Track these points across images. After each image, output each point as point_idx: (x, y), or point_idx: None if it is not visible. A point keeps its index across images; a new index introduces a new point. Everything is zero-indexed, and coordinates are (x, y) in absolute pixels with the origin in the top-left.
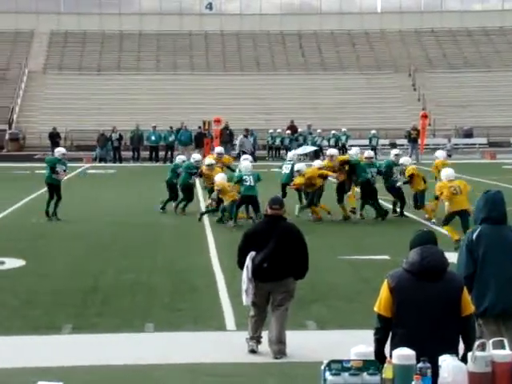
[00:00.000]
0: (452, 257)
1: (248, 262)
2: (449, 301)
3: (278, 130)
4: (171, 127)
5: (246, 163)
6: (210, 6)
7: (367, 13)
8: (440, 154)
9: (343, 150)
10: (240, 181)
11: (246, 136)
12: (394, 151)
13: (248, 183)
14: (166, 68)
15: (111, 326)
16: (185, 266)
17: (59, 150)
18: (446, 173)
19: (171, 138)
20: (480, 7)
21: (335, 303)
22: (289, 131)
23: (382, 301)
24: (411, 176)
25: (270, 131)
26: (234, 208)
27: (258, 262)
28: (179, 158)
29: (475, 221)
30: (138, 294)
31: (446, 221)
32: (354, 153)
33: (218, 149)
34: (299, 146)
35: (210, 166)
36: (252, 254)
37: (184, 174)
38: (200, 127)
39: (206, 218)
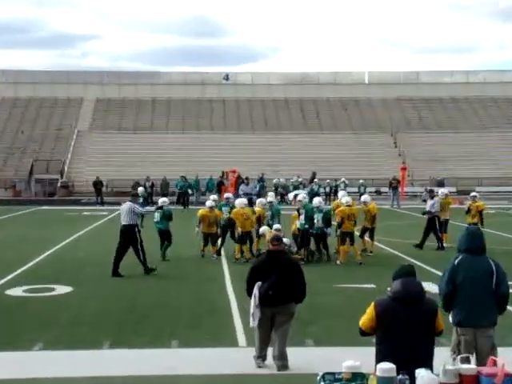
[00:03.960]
0: (427, 286)
1: (255, 291)
2: (426, 322)
3: (282, 179)
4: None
5: (161, 199)
6: (227, 78)
7: (357, 83)
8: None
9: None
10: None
11: (247, 184)
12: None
13: (156, 219)
14: (190, 128)
15: (143, 342)
16: (206, 289)
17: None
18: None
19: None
20: (449, 80)
21: (329, 324)
22: (343, 178)
23: (365, 319)
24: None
25: (292, 180)
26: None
27: (264, 290)
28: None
29: (458, 250)
30: (167, 315)
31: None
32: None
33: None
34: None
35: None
36: (258, 283)
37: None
38: (221, 176)
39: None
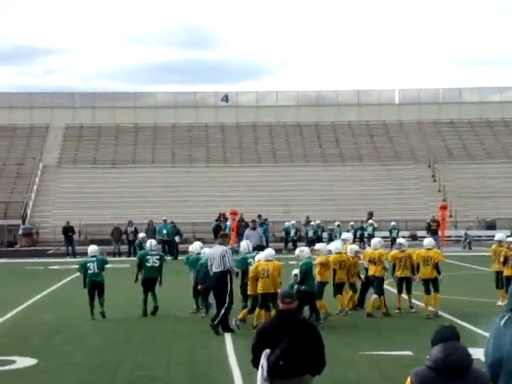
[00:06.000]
0: (475, 352)
1: (263, 360)
2: None
3: (292, 222)
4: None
5: (92, 247)
6: (225, 99)
7: (385, 104)
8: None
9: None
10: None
11: (253, 228)
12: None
13: (92, 271)
14: (181, 160)
15: None
16: (201, 359)
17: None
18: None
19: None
20: (499, 98)
21: None
22: (370, 221)
23: None
24: None
25: (313, 223)
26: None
27: (274, 360)
28: None
29: (507, 307)
30: None
31: None
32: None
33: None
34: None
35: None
36: (267, 351)
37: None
38: (217, 219)
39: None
